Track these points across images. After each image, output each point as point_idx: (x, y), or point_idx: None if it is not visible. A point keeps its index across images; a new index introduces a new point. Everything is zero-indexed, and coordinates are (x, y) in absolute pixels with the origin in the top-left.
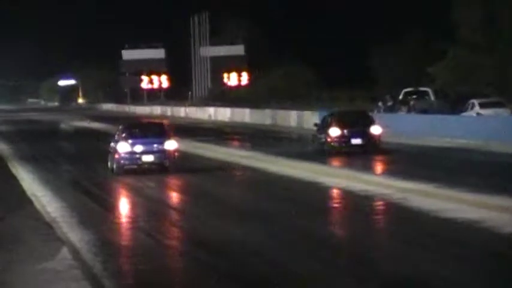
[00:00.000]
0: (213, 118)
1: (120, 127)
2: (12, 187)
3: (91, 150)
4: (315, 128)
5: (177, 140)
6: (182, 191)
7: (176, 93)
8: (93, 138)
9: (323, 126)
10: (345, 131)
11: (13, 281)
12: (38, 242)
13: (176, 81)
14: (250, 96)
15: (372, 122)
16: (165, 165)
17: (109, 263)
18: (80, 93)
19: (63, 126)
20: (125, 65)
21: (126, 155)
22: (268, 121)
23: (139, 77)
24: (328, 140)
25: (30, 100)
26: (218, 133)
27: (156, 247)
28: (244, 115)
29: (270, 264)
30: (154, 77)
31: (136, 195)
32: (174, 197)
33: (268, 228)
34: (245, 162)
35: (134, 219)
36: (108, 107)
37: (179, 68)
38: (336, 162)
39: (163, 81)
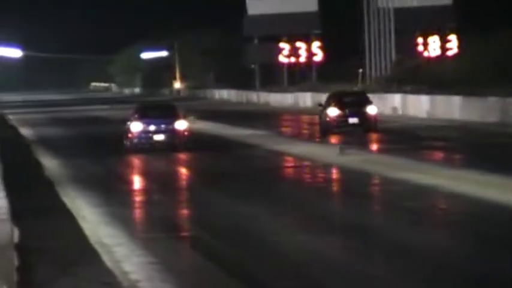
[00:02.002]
0: (400, 112)
1: (134, 108)
2: (65, 229)
3: (199, 171)
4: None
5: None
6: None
7: (335, 72)
8: (210, 150)
9: (325, 107)
10: (343, 111)
11: None
12: None
13: (335, 51)
14: (461, 75)
15: (368, 102)
16: (175, 144)
17: None
18: (177, 73)
19: None
20: (251, 24)
21: (139, 134)
22: (492, 117)
23: (276, 45)
24: (327, 119)
25: (94, 84)
26: (410, 137)
27: None
28: (452, 107)
29: None
30: (300, 45)
31: None
32: None
33: None
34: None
35: None
36: (224, 94)
37: (340, 30)
38: None
39: (316, 50)
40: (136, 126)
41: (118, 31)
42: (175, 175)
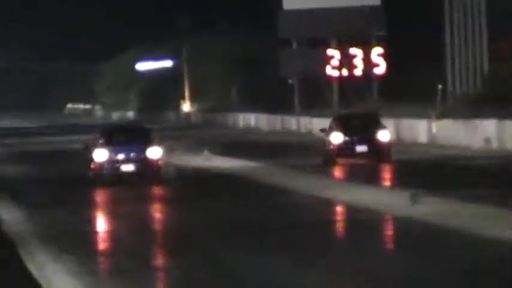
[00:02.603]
0: (495, 145)
1: (99, 132)
2: None
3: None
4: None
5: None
6: None
7: (403, 88)
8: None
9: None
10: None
11: None
12: None
13: (402, 60)
14: None
15: (380, 127)
16: (146, 176)
17: None
18: (186, 91)
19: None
20: (288, 23)
21: (104, 164)
22: None
23: (322, 52)
24: (331, 147)
25: (70, 106)
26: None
27: None
28: None
29: None
30: (356, 52)
31: None
32: None
33: None
34: None
35: None
36: (251, 120)
37: (408, 31)
38: None
39: (377, 59)
40: (100, 155)
41: (105, 32)
42: (187, 229)
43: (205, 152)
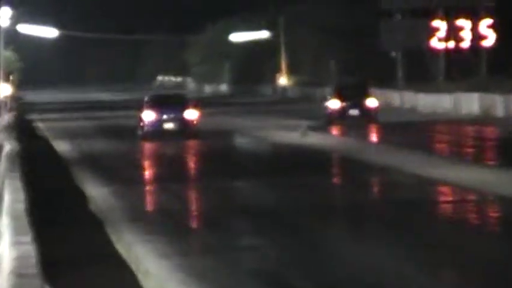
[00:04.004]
0: None
1: (146, 98)
2: None
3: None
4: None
5: None
6: None
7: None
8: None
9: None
10: (343, 103)
11: None
12: None
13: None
14: None
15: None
16: (185, 132)
17: None
18: (283, 63)
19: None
20: None
21: (150, 123)
22: None
23: (427, 23)
24: (329, 111)
25: (161, 79)
26: None
27: None
28: None
29: None
30: (463, 23)
31: None
32: None
33: None
34: None
35: None
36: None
37: None
38: None
39: (485, 31)
40: (148, 115)
41: (197, 2)
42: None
43: (303, 128)
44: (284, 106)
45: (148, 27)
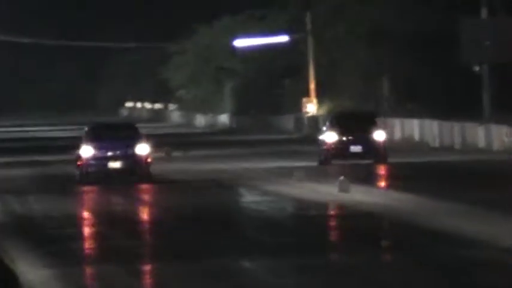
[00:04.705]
0: None
1: (86, 129)
2: None
3: None
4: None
5: None
6: None
7: None
8: None
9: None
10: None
11: None
12: None
13: None
14: None
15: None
16: (135, 173)
17: None
18: (311, 81)
19: None
20: None
21: (91, 161)
22: None
23: None
24: (325, 147)
25: (129, 106)
26: None
27: None
28: None
29: None
30: None
31: None
32: None
33: None
34: None
35: None
36: (412, 127)
37: None
38: None
39: None
40: (87, 151)
41: None
42: None
43: (342, 179)
44: (313, 146)
45: (112, 31)
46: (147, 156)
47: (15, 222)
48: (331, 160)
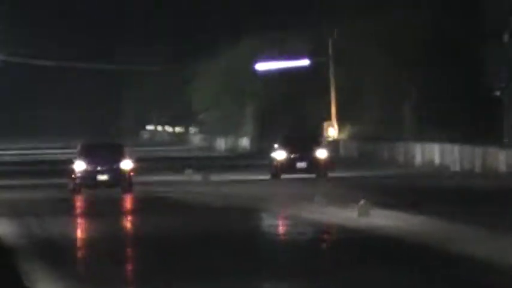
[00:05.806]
0: None
1: (78, 147)
2: None
3: None
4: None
5: None
6: None
7: None
8: None
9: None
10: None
11: None
12: None
13: None
14: None
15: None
16: (119, 185)
17: None
18: (333, 105)
19: None
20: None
21: (82, 174)
22: None
23: None
24: (274, 163)
25: (150, 129)
26: None
27: None
28: None
29: None
30: None
31: None
32: None
33: None
34: None
35: None
36: (433, 153)
37: None
38: None
39: None
40: (80, 166)
41: (205, 20)
42: None
43: (362, 203)
44: (333, 171)
45: (132, 53)
46: (130, 171)
47: (35, 244)
48: (281, 175)
